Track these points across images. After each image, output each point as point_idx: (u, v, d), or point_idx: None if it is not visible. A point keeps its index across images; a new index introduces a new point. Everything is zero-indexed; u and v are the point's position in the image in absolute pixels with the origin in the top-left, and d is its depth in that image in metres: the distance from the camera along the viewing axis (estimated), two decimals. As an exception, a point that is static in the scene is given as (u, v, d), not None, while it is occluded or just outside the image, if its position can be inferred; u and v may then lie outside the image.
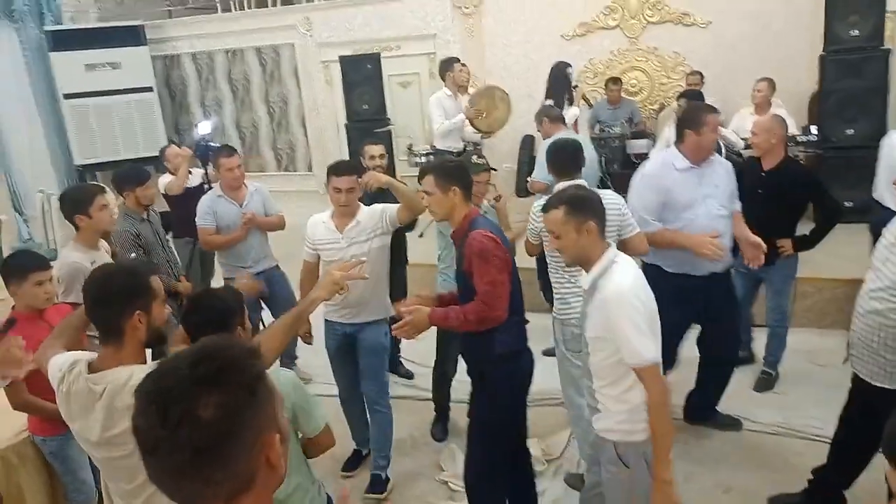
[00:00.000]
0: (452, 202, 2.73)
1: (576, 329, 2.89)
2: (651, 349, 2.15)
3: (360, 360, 3.52)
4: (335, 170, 3.32)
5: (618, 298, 2.15)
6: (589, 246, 2.24)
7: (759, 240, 3.55)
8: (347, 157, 7.96)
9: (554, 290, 3.33)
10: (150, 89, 8.82)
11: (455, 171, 2.78)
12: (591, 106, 7.03)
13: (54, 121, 8.60)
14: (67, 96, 8.44)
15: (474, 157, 5.05)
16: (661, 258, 3.45)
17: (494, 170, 4.22)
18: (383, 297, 3.50)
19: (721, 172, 3.48)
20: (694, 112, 3.43)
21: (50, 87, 8.50)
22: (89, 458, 2.94)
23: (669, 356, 3.51)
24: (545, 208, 2.34)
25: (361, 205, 3.41)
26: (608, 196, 3.51)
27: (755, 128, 3.94)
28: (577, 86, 6.08)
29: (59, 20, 8.64)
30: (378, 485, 3.56)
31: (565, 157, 3.42)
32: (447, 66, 6.08)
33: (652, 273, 3.23)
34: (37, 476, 2.91)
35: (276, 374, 2.12)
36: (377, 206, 3.39)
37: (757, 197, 3.77)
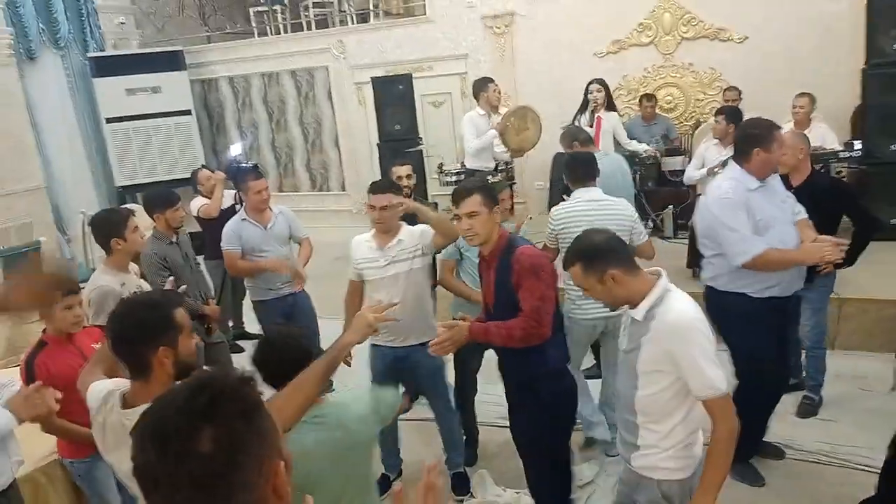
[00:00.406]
0: (494, 222, 2.73)
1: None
2: (723, 380, 2.03)
3: (421, 382, 3.58)
4: (371, 188, 3.35)
5: (687, 327, 2.01)
6: (623, 289, 2.12)
7: (837, 238, 3.37)
8: (379, 177, 8.02)
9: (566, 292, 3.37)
10: (188, 112, 9.00)
11: (494, 190, 2.80)
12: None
13: (96, 144, 8.84)
14: (109, 120, 8.67)
15: (489, 177, 5.10)
16: (747, 284, 3.22)
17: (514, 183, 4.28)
18: (429, 318, 3.46)
19: (778, 183, 3.38)
20: (762, 129, 3.24)
21: (93, 112, 8.75)
22: (116, 481, 2.98)
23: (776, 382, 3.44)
24: (565, 265, 2.25)
25: (404, 224, 3.39)
26: (618, 205, 3.60)
27: None
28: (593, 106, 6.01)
29: (101, 47, 8.91)
30: (462, 483, 3.63)
31: (578, 166, 3.72)
32: (482, 86, 6.07)
33: (737, 301, 3.16)
34: (65, 497, 2.95)
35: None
36: (418, 227, 3.37)
37: None
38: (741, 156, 3.25)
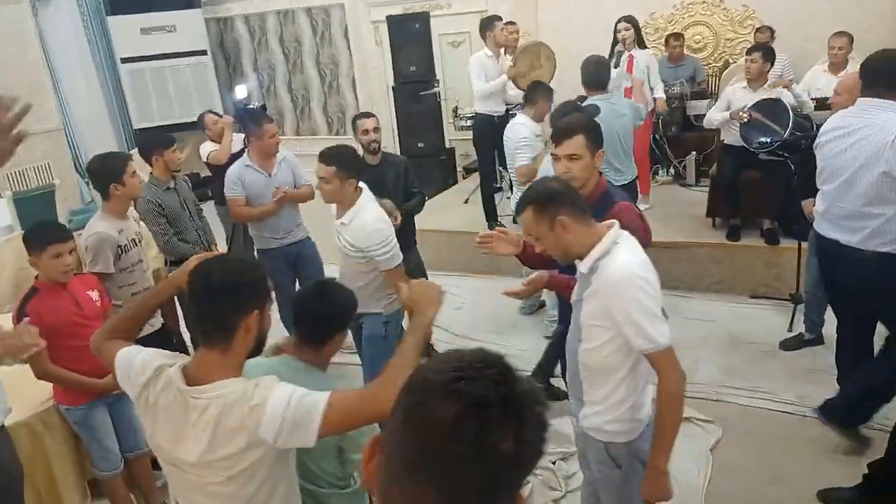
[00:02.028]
0: (595, 167, 2.59)
1: None
2: (665, 333, 1.92)
3: (362, 350, 3.45)
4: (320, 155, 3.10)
5: (626, 279, 1.90)
6: (572, 237, 2.00)
7: None
8: (395, 120, 7.85)
9: None
10: (204, 52, 8.85)
11: (600, 131, 2.63)
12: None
13: (113, 84, 8.76)
14: (125, 60, 8.57)
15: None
16: None
17: None
18: (373, 291, 3.26)
19: None
20: None
21: (108, 51, 8.64)
22: (114, 426, 3.00)
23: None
24: (517, 212, 2.13)
25: (363, 204, 3.15)
26: None
27: (838, 87, 3.47)
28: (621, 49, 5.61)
29: (116, -16, 8.73)
30: None
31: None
32: (488, 24, 5.81)
33: None
34: (63, 444, 2.97)
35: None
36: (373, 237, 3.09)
37: None
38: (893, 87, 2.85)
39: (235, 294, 1.61)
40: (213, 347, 1.61)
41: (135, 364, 1.69)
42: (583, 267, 2.02)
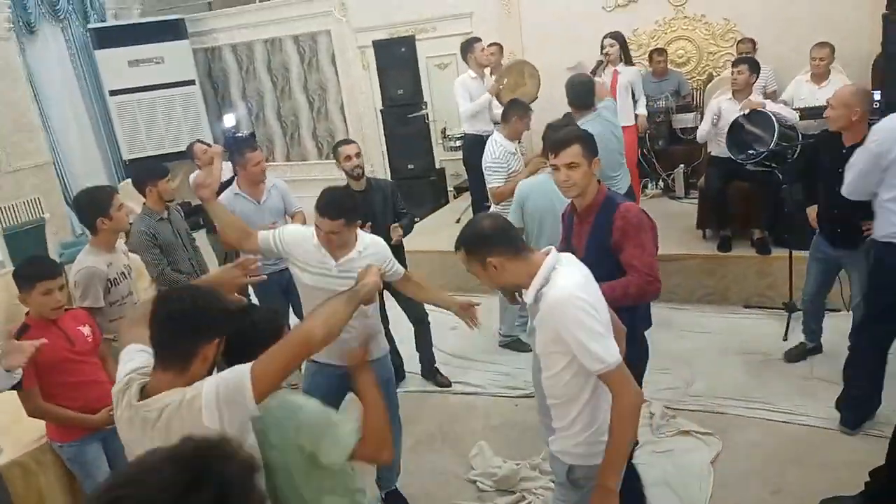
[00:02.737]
0: (593, 174, 2.64)
1: None
2: (613, 351, 1.91)
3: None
4: (321, 210, 2.86)
5: (565, 301, 1.90)
6: (508, 275, 2.02)
7: None
8: (384, 143, 7.89)
9: None
10: (192, 82, 8.87)
11: (594, 141, 2.68)
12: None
13: (102, 117, 8.77)
14: (113, 93, 8.58)
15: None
16: None
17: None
18: (379, 333, 3.14)
19: None
20: None
21: (97, 84, 8.66)
22: (108, 461, 2.96)
23: None
24: (455, 249, 2.15)
25: (360, 234, 3.04)
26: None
27: (832, 100, 3.51)
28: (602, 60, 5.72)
29: (102, 17, 8.78)
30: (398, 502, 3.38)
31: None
32: (468, 47, 5.88)
33: None
34: (56, 482, 2.92)
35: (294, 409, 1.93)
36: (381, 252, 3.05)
37: (839, 176, 3.34)
38: None
39: (195, 325, 1.66)
40: (167, 370, 1.66)
41: (121, 369, 1.76)
42: (528, 298, 2.03)
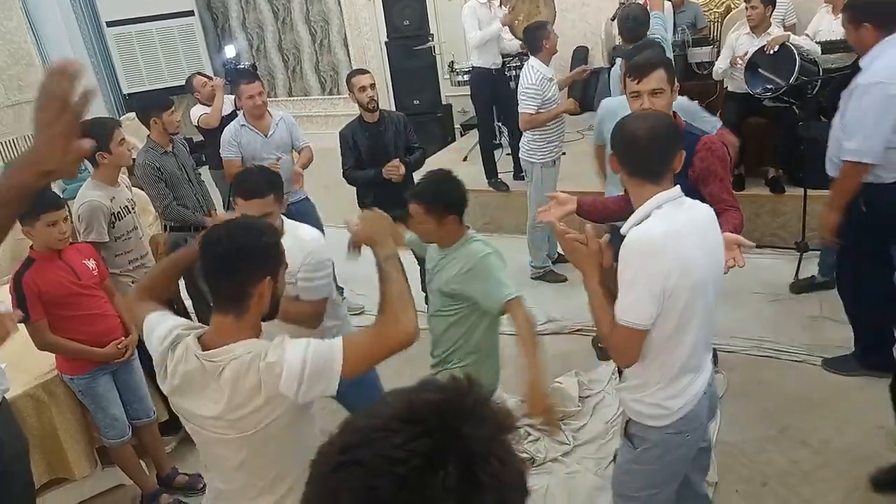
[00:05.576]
0: (671, 104, 2.49)
1: None
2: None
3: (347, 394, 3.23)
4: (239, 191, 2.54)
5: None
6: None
7: None
8: (389, 77, 7.68)
9: None
10: (191, 13, 8.61)
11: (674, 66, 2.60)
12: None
13: (100, 49, 8.55)
14: (111, 24, 8.35)
15: None
16: None
17: None
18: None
19: None
20: None
21: (93, 14, 8.42)
22: (119, 394, 2.97)
23: None
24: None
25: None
26: None
27: None
28: None
29: (98, -56, 8.46)
30: None
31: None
32: None
33: None
34: (69, 413, 2.95)
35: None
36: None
37: None
38: None
39: (246, 263, 1.59)
40: (226, 313, 1.62)
41: (156, 333, 1.70)
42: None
